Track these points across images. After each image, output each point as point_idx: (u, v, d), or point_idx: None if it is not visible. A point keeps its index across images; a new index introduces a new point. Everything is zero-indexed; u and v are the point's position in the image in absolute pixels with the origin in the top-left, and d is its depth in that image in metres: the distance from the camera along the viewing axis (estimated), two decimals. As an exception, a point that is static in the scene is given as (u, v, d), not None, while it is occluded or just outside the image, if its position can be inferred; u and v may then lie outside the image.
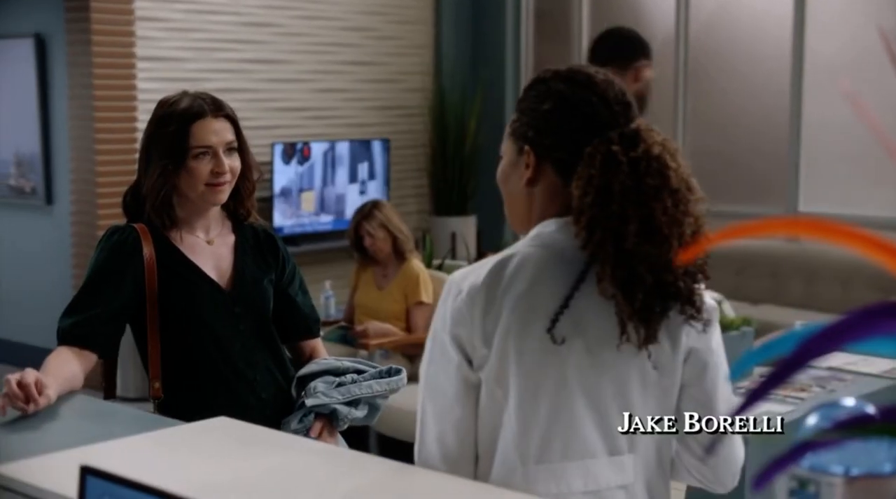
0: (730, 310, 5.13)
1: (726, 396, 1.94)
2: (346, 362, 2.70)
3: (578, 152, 1.81)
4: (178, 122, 2.57)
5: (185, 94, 2.65)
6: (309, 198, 7.67)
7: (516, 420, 1.82)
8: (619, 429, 1.85)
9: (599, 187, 1.76)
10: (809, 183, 7.37)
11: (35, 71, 7.18)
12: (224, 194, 2.63)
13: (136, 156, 7.48)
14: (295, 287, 2.81)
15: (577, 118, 1.84)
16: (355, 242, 5.52)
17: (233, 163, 2.62)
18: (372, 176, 7.98)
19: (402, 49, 8.36)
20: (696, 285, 1.82)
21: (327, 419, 2.60)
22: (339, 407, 2.58)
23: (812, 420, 1.11)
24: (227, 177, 2.61)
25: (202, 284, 2.64)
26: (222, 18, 7.27)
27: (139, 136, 6.82)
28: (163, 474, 1.68)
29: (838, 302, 6.89)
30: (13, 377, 2.23)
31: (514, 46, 8.57)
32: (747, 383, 4.23)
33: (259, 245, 2.75)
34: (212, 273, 2.66)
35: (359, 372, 2.67)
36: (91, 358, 2.55)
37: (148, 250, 2.59)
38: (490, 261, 1.87)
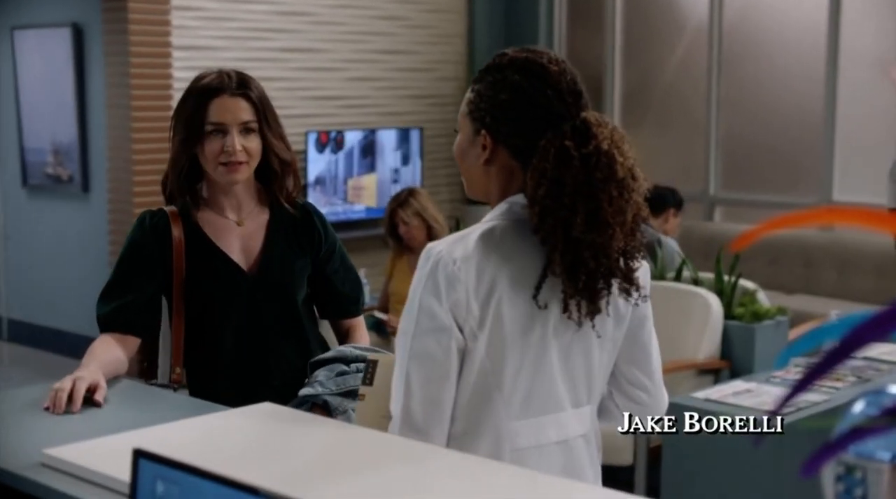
0: (764, 299, 5.13)
1: (656, 345, 2.18)
2: (357, 351, 2.64)
3: (532, 139, 1.95)
4: (196, 97, 2.56)
5: (218, 71, 2.62)
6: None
7: (504, 381, 1.96)
8: (581, 382, 2.05)
9: (553, 180, 1.91)
10: (844, 172, 7.33)
11: (72, 60, 7.24)
12: (240, 175, 2.58)
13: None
14: (334, 265, 2.76)
15: (532, 109, 1.97)
16: (390, 229, 5.54)
17: (248, 144, 2.57)
18: (405, 164, 8.00)
19: (435, 38, 8.37)
20: (635, 264, 1.99)
21: (322, 410, 2.53)
22: (330, 398, 2.52)
23: (859, 407, 1.13)
24: (242, 157, 2.56)
25: (226, 271, 2.62)
26: (257, 7, 7.31)
27: (175, 124, 6.90)
28: (212, 458, 1.71)
29: (872, 292, 6.86)
30: (64, 392, 2.23)
31: (548, 35, 8.56)
32: (782, 373, 4.23)
33: (294, 224, 2.70)
34: (239, 256, 2.64)
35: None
36: (134, 342, 2.58)
37: (177, 234, 2.59)
38: (473, 232, 1.98)
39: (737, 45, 7.82)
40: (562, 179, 1.89)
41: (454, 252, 1.93)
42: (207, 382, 2.61)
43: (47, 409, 2.21)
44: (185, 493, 1.42)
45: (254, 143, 2.58)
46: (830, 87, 7.28)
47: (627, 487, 4.07)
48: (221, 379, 2.62)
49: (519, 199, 1.99)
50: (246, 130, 2.57)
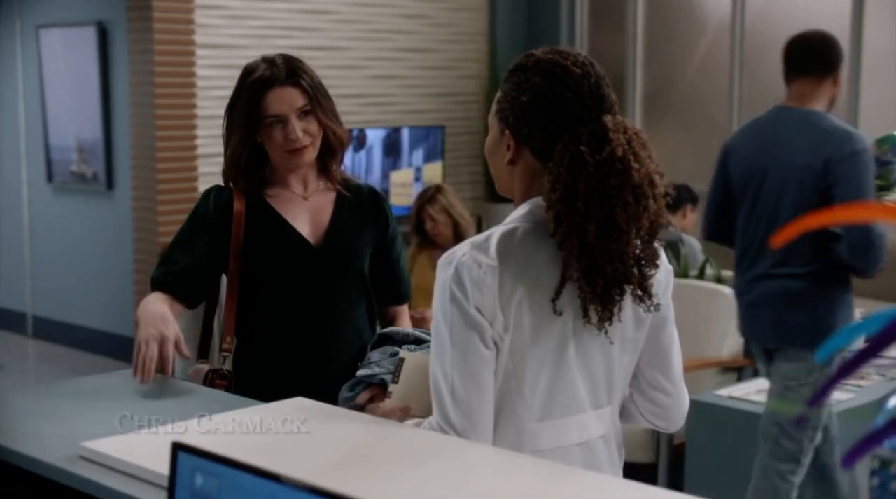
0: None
1: (679, 348, 2.17)
2: (406, 331, 2.68)
3: (552, 142, 1.95)
4: (250, 91, 2.62)
5: (262, 60, 2.69)
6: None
7: (525, 384, 1.97)
8: (602, 384, 2.04)
9: (566, 185, 1.90)
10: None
11: (97, 58, 7.29)
12: (307, 156, 2.66)
13: (196, 142, 7.53)
14: (396, 251, 2.83)
15: (551, 112, 1.97)
16: (416, 225, 5.58)
17: (308, 126, 2.64)
18: (427, 162, 8.02)
19: (457, 36, 8.39)
20: (650, 271, 1.97)
21: (379, 388, 2.54)
22: (387, 377, 2.53)
23: (894, 401, 1.14)
24: (305, 141, 2.63)
25: (287, 238, 2.68)
26: (280, 6, 7.34)
27: (199, 122, 6.96)
28: (249, 452, 1.73)
29: (894, 289, 6.83)
30: (152, 359, 2.37)
31: (569, 34, 8.56)
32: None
33: (361, 203, 2.77)
34: (305, 227, 2.70)
35: (419, 341, 2.64)
36: (177, 309, 2.63)
37: (238, 206, 2.66)
38: (493, 235, 1.98)
39: (758, 44, 7.81)
40: (575, 184, 1.89)
41: (477, 257, 1.94)
42: (257, 354, 2.67)
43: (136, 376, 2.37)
44: (224, 485, 1.43)
45: (313, 125, 2.65)
46: (853, 87, 7.26)
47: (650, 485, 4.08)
48: (278, 351, 2.66)
49: (540, 200, 1.99)
50: (303, 113, 2.64)
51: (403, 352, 2.42)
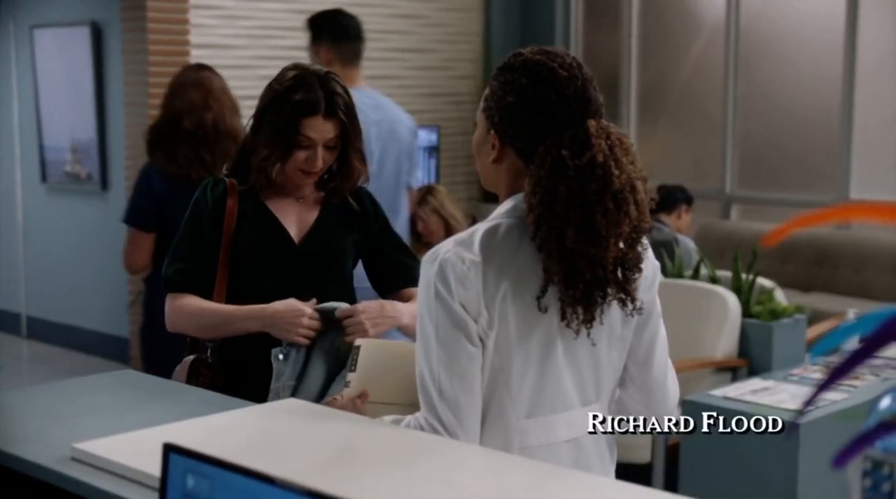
0: (782, 298, 5.13)
1: (664, 343, 2.17)
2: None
3: (536, 144, 1.96)
4: (291, 112, 2.67)
5: (304, 75, 2.71)
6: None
7: (511, 380, 1.98)
8: (589, 380, 2.06)
9: (547, 189, 1.91)
10: (861, 170, 7.32)
11: (91, 58, 7.28)
12: (312, 180, 2.77)
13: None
14: (388, 238, 2.88)
15: (535, 114, 1.98)
16: (409, 226, 5.58)
17: (327, 155, 2.72)
18: (421, 163, 8.01)
19: (451, 37, 8.39)
20: (633, 275, 1.98)
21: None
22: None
23: (885, 403, 1.14)
24: (320, 168, 2.73)
25: (274, 234, 2.74)
26: (274, 6, 7.34)
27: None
28: (241, 453, 1.73)
29: (889, 290, 6.85)
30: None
31: (564, 34, 8.56)
32: (800, 371, 4.23)
33: (348, 205, 2.83)
34: (292, 226, 2.77)
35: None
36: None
37: (232, 200, 2.73)
38: (476, 232, 1.99)
39: (753, 43, 7.82)
40: (556, 188, 1.90)
41: (461, 253, 1.95)
42: (242, 347, 2.69)
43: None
44: (216, 487, 1.42)
45: (331, 156, 2.74)
46: (847, 85, 7.27)
47: (646, 485, 4.08)
48: (258, 345, 2.66)
49: (522, 198, 1.99)
50: (329, 146, 2.72)
51: (359, 339, 2.45)
